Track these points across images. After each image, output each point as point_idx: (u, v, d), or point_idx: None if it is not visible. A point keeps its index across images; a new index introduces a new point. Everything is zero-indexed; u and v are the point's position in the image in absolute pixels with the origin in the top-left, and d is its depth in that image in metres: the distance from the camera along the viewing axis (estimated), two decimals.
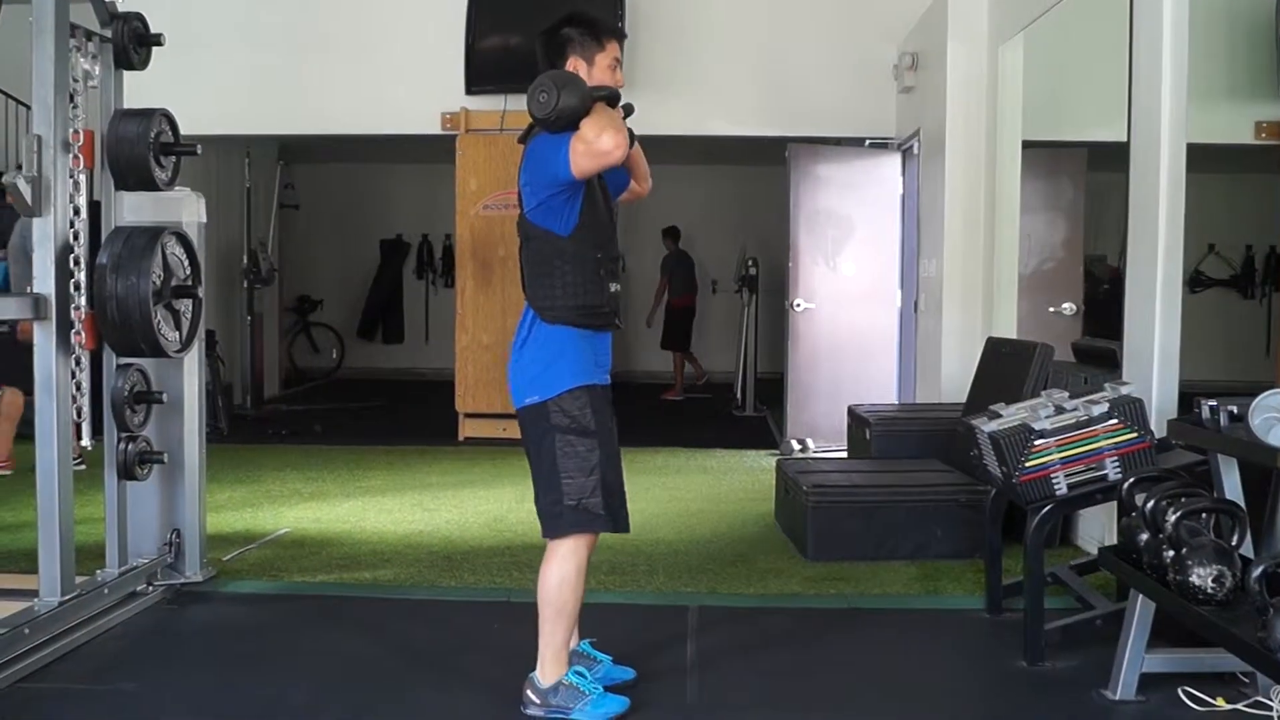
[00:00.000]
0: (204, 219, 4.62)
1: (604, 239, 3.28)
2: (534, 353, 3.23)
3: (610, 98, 3.17)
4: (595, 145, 3.05)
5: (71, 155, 3.96)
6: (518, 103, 8.68)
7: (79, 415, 4.03)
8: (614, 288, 3.29)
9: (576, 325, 3.22)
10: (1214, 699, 3.36)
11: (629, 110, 3.25)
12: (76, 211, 4.00)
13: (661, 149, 11.95)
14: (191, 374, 4.63)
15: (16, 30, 3.81)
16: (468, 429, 8.90)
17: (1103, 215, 7.17)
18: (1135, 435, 3.77)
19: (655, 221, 14.20)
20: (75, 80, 4.02)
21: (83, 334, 3.98)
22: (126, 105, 4.30)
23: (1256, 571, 2.65)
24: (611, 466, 3.29)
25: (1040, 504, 3.81)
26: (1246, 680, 3.43)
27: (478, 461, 7.86)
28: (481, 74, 8.72)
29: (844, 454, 7.15)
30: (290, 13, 8.95)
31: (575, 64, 3.25)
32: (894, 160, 8.49)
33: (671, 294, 12.34)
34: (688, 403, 11.88)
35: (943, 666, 3.99)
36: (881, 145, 8.65)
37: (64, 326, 3.93)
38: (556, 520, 3.25)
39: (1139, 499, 3.28)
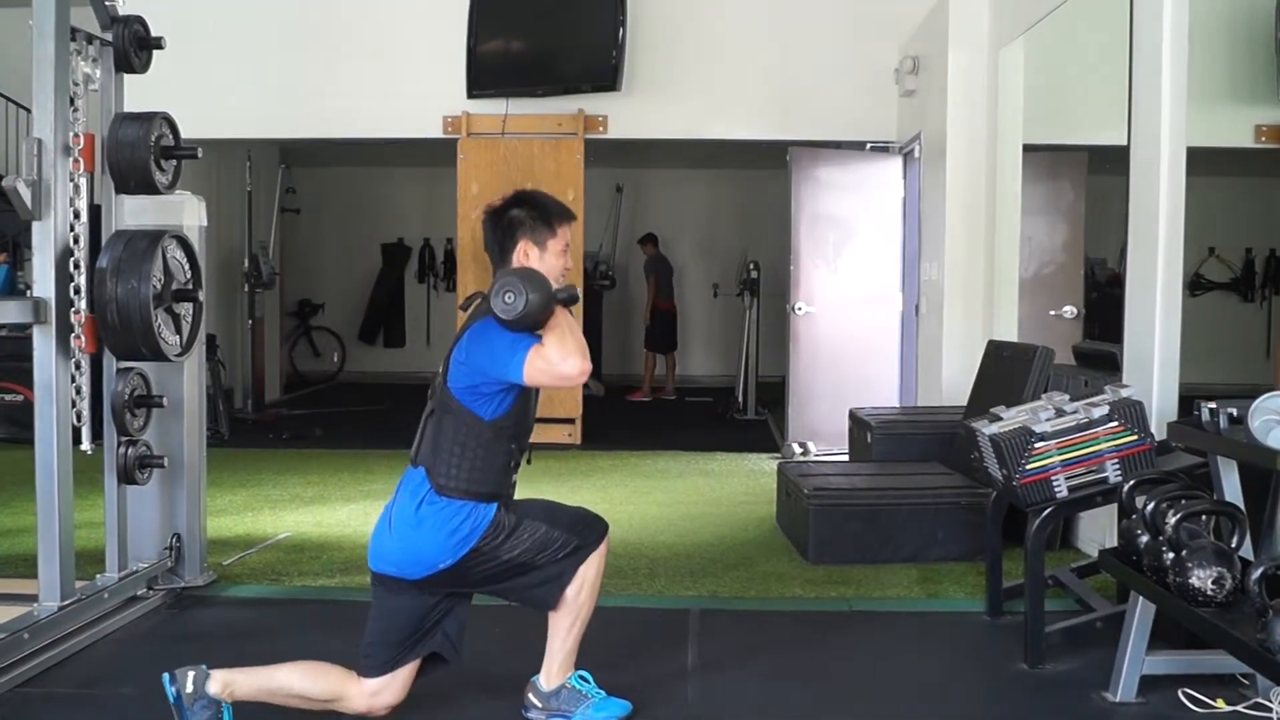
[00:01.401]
0: (205, 222, 4.63)
1: (523, 431, 3.18)
2: (431, 523, 3.06)
3: (569, 300, 3.08)
4: (558, 369, 2.94)
5: (72, 159, 3.96)
6: (519, 106, 8.73)
7: (79, 419, 4.02)
8: (514, 480, 3.20)
9: (468, 500, 3.09)
10: (1214, 701, 3.36)
11: (575, 298, 3.14)
12: (77, 215, 4.00)
13: (663, 152, 12.12)
14: (192, 378, 4.63)
15: (17, 33, 3.81)
16: None
17: (1103, 218, 7.17)
18: (1135, 438, 3.76)
19: (656, 225, 14.24)
20: (76, 84, 4.02)
21: (83, 338, 3.98)
22: (127, 108, 4.30)
23: (1256, 573, 2.65)
24: (550, 515, 3.22)
25: (1041, 506, 3.81)
26: (1246, 682, 3.43)
27: None
28: (483, 77, 8.72)
29: (845, 457, 7.15)
30: (291, 16, 8.96)
31: (526, 248, 3.15)
32: (895, 164, 8.49)
33: (658, 296, 12.38)
34: (689, 406, 11.87)
35: (944, 669, 3.99)
36: (883, 149, 8.65)
37: (64, 330, 3.93)
38: (551, 587, 3.20)
39: (1139, 501, 3.28)
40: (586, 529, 3.26)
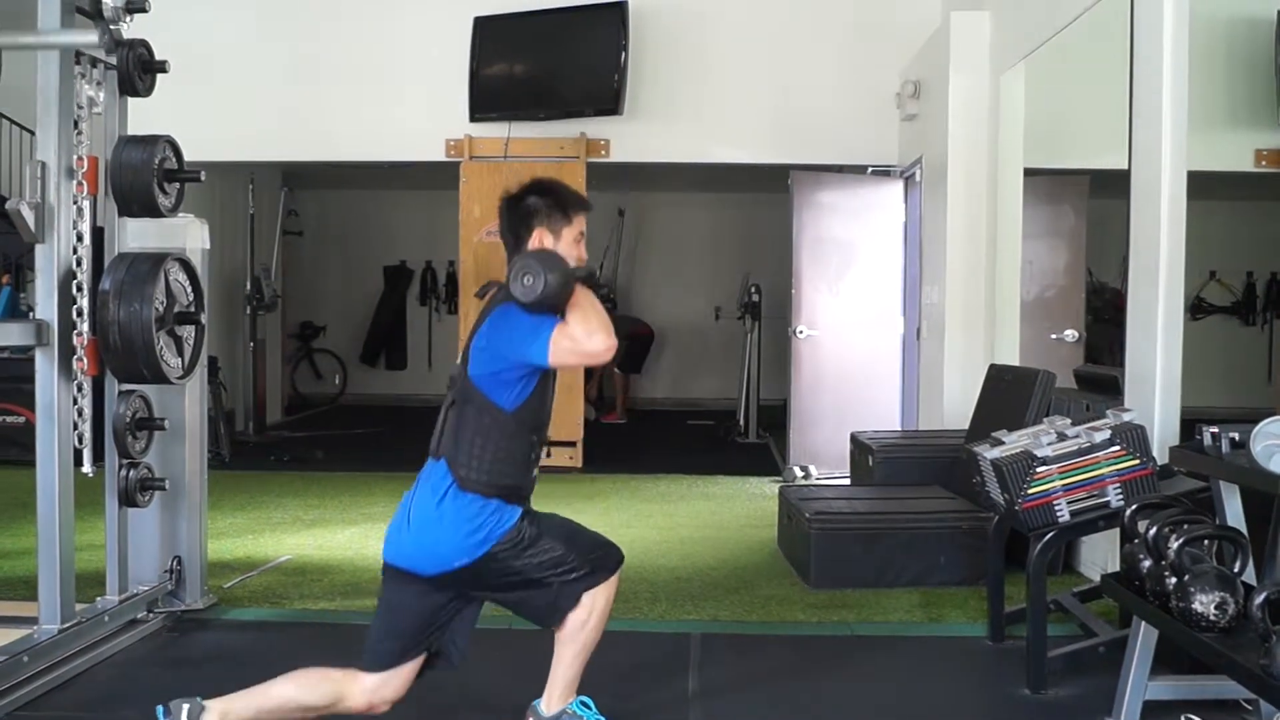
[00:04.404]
0: (207, 245, 4.63)
1: (543, 420, 3.17)
2: (452, 518, 3.04)
3: (588, 278, 3.10)
4: (584, 345, 2.93)
5: (75, 181, 3.98)
6: (521, 130, 8.76)
7: (80, 441, 4.02)
8: (536, 472, 3.20)
9: (491, 497, 3.07)
10: None
11: (594, 277, 3.17)
12: (80, 238, 4.01)
13: (665, 176, 12.13)
14: (194, 400, 4.63)
15: (21, 56, 3.83)
16: None
17: (1104, 242, 7.18)
18: (1137, 462, 3.76)
19: (659, 248, 14.28)
20: (79, 107, 4.03)
21: (85, 360, 3.98)
22: (131, 131, 4.31)
23: (1259, 598, 2.64)
24: (569, 536, 3.22)
25: (1043, 531, 3.81)
26: (1249, 707, 3.42)
27: None
28: (485, 101, 8.75)
29: (847, 480, 7.15)
30: (295, 40, 9.01)
31: (541, 235, 3.15)
32: (896, 188, 8.51)
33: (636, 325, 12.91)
34: (690, 429, 11.87)
35: (946, 695, 3.97)
36: (884, 173, 8.68)
37: (66, 352, 3.94)
38: (555, 608, 3.19)
39: (1141, 526, 3.27)
40: (602, 556, 3.25)
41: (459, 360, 3.15)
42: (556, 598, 3.17)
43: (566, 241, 3.17)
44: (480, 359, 3.06)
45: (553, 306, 2.96)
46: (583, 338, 2.93)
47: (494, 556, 3.06)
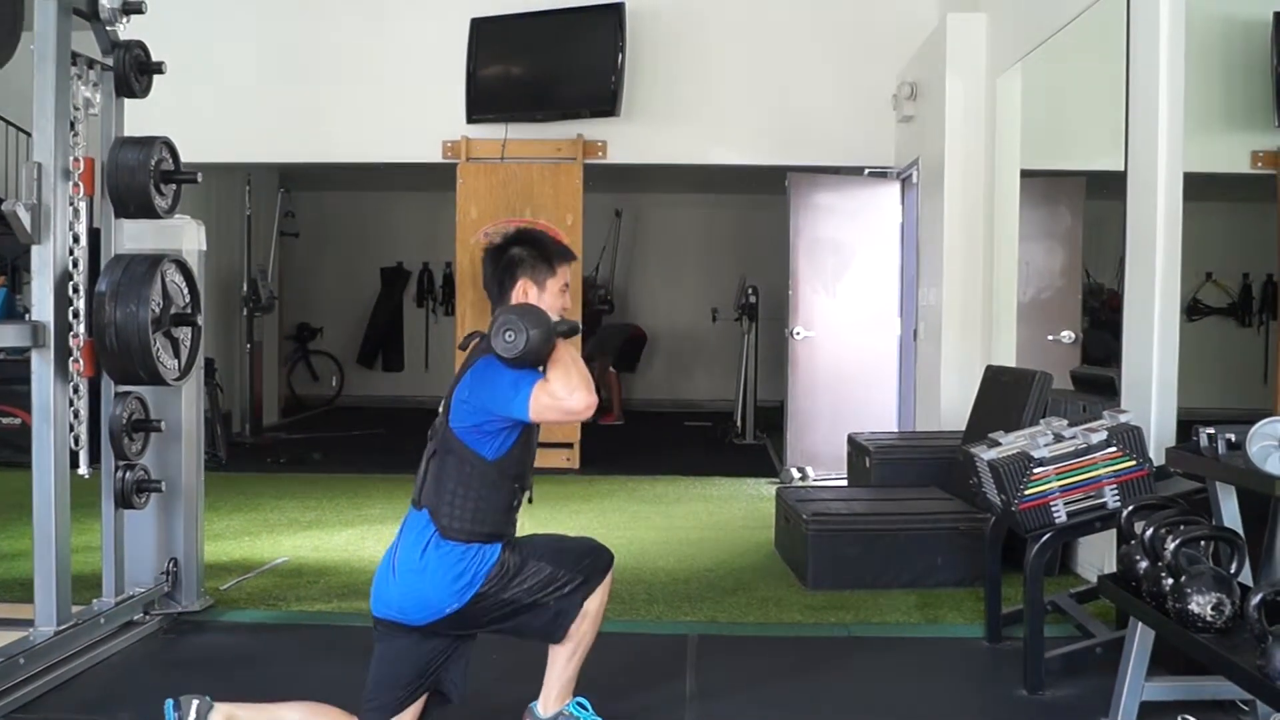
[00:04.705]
0: (204, 247, 4.63)
1: (525, 469, 3.16)
2: (436, 568, 3.04)
3: (570, 332, 3.09)
4: (565, 404, 2.93)
5: (72, 183, 3.97)
6: (518, 131, 8.76)
7: (77, 443, 4.02)
8: (516, 518, 3.19)
9: (473, 544, 3.07)
10: None
11: (576, 330, 3.16)
12: (76, 239, 4.01)
13: (662, 177, 12.13)
14: (190, 402, 4.63)
15: (18, 58, 3.82)
16: None
17: (1101, 243, 7.18)
18: (1134, 463, 3.76)
19: (656, 249, 14.28)
20: (76, 108, 4.03)
21: (81, 361, 3.98)
22: (127, 133, 4.31)
23: (1255, 599, 2.64)
24: (556, 554, 3.21)
25: (1040, 532, 3.81)
26: (1246, 708, 3.42)
27: None
28: (482, 102, 8.75)
29: (844, 482, 7.15)
30: (291, 41, 9.00)
31: (525, 286, 3.15)
32: (893, 189, 8.52)
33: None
34: (687, 430, 11.88)
35: (943, 695, 3.97)
36: (881, 174, 8.68)
37: (62, 354, 3.93)
38: (554, 624, 3.19)
39: (1138, 527, 3.28)
40: (593, 563, 3.25)
41: (440, 409, 3.13)
42: (557, 614, 3.16)
43: (551, 293, 3.17)
44: (462, 411, 3.05)
45: (534, 362, 2.96)
46: (563, 395, 2.93)
47: (483, 596, 3.06)
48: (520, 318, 2.93)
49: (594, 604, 3.22)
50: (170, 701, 3.06)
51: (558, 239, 3.32)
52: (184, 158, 4.37)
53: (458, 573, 3.03)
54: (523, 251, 3.18)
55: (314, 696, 3.57)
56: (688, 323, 14.24)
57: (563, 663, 3.26)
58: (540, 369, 2.98)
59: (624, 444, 10.73)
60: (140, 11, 4.26)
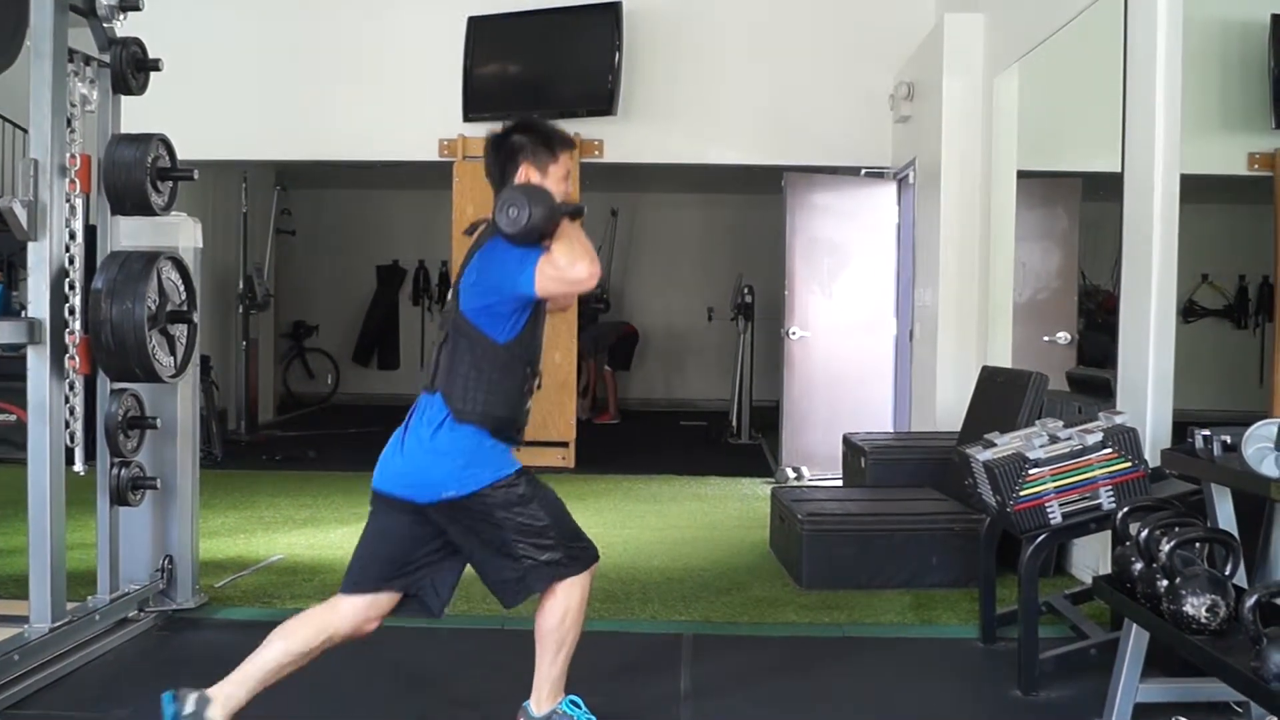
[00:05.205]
0: (200, 244, 4.63)
1: (535, 354, 3.21)
2: (446, 449, 3.08)
3: (575, 213, 3.13)
4: (568, 274, 3.00)
5: (68, 180, 3.96)
6: None
7: (72, 440, 4.02)
8: (529, 405, 3.22)
9: (486, 429, 3.11)
10: None
11: (581, 212, 3.19)
12: (72, 236, 4.00)
13: (658, 177, 12.13)
14: (186, 399, 4.63)
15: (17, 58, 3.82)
16: None
17: (1097, 244, 7.19)
18: (1129, 465, 3.77)
19: (652, 249, 14.28)
20: (73, 105, 4.03)
21: (77, 359, 3.97)
22: (124, 130, 4.31)
23: (1250, 601, 2.65)
24: (556, 514, 3.23)
25: (1035, 533, 3.82)
26: (1240, 710, 3.43)
27: None
28: (479, 101, 8.75)
29: (839, 482, 7.15)
30: (288, 39, 8.99)
31: (527, 172, 3.19)
32: (890, 189, 8.52)
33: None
34: (682, 430, 11.88)
35: (937, 696, 3.97)
36: (877, 174, 8.68)
37: (58, 351, 3.93)
38: (517, 584, 3.20)
39: (1133, 528, 3.28)
40: (580, 550, 3.26)
41: (450, 296, 3.20)
42: (525, 575, 3.17)
43: (553, 179, 3.21)
44: (471, 294, 3.11)
45: (538, 239, 3.02)
46: (566, 265, 2.99)
47: (482, 497, 3.10)
48: (524, 194, 3.00)
49: (574, 599, 3.22)
50: (168, 694, 3.07)
51: (559, 127, 3.34)
52: (180, 155, 4.37)
53: (467, 460, 3.08)
54: (524, 139, 3.23)
55: (308, 693, 3.58)
56: (684, 322, 14.25)
57: (549, 660, 3.26)
58: (545, 246, 3.03)
59: (619, 443, 10.73)
60: (137, 8, 4.25)
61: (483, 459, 3.10)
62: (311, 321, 14.04)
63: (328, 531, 6.35)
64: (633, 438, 11.33)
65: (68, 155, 3.96)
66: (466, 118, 8.79)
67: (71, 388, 4.00)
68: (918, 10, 8.33)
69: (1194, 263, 11.28)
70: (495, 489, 3.10)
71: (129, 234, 4.34)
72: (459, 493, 3.09)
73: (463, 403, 3.09)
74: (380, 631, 4.49)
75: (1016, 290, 6.82)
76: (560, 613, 3.21)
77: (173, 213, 4.41)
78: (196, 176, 4.38)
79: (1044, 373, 5.44)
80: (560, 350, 8.67)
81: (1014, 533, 3.93)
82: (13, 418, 8.24)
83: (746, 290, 11.08)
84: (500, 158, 3.24)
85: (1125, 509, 3.44)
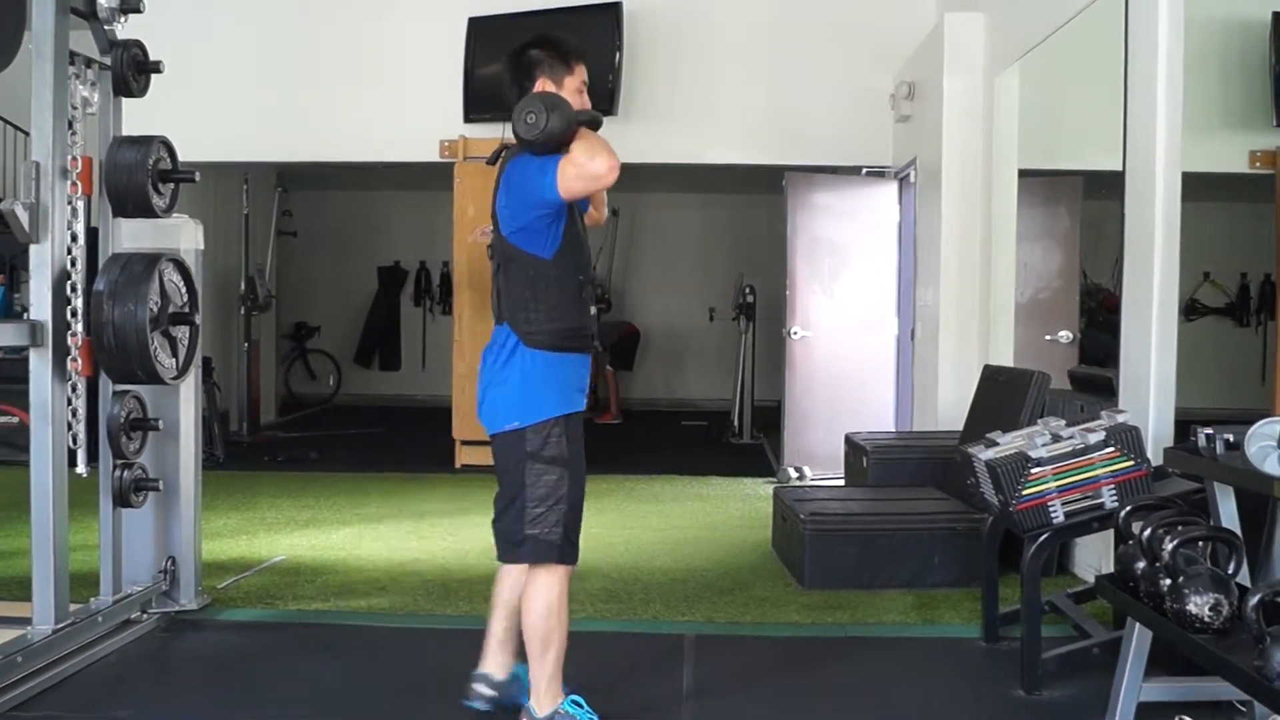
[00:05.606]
0: (201, 246, 4.63)
1: (584, 261, 3.30)
2: (516, 378, 3.20)
3: (593, 122, 3.18)
4: (588, 168, 3.04)
5: (70, 182, 3.96)
6: None
7: (74, 442, 4.02)
8: (593, 310, 3.30)
9: (559, 349, 3.21)
10: None
11: (598, 122, 3.24)
12: (74, 238, 4.00)
13: (659, 177, 12.12)
14: (188, 401, 4.63)
15: (17, 57, 3.82)
16: (464, 456, 8.87)
17: (1099, 243, 7.18)
18: (1132, 463, 3.77)
19: (653, 249, 14.28)
20: (74, 107, 4.03)
21: (79, 360, 3.98)
22: (125, 132, 4.31)
23: (1253, 600, 2.64)
24: (577, 497, 3.27)
25: (1037, 532, 3.81)
26: (1243, 709, 3.42)
27: (474, 489, 7.81)
28: (480, 102, 8.74)
29: (841, 482, 7.15)
30: (289, 40, 9.00)
31: (543, 85, 3.26)
32: (891, 189, 8.52)
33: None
34: (684, 430, 11.88)
35: (939, 696, 3.97)
36: (878, 174, 8.68)
37: (60, 353, 3.93)
38: (514, 548, 3.26)
39: (1136, 527, 3.28)
40: (570, 546, 3.28)
41: (492, 229, 3.28)
42: (525, 542, 3.22)
43: (569, 91, 3.28)
44: (506, 216, 3.20)
45: (556, 145, 3.07)
46: (585, 161, 3.05)
47: (537, 431, 3.18)
48: (540, 100, 3.07)
49: (552, 595, 3.24)
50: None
51: (575, 40, 3.41)
52: (182, 157, 4.36)
53: (528, 389, 3.18)
54: (540, 53, 3.31)
55: (310, 695, 3.59)
56: (685, 322, 14.25)
57: (537, 659, 3.27)
58: (564, 152, 3.08)
59: (621, 443, 10.73)
60: (138, 10, 4.25)
61: (547, 393, 3.19)
62: (313, 322, 14.04)
63: (330, 532, 6.35)
64: (634, 438, 11.33)
65: (69, 158, 3.96)
66: (467, 119, 8.79)
67: (74, 390, 4.00)
68: (918, 10, 8.32)
69: (1195, 261, 11.27)
70: (546, 426, 3.18)
71: (130, 236, 4.34)
72: (521, 424, 3.18)
73: (527, 324, 3.18)
74: (380, 634, 4.51)
75: (1018, 289, 6.81)
76: (542, 608, 3.23)
77: (174, 214, 4.41)
78: (198, 178, 4.37)
79: (1046, 372, 5.44)
80: None
81: (1016, 532, 3.93)
82: (15, 420, 8.25)
83: (748, 290, 11.08)
84: (517, 72, 3.31)
85: (1128, 508, 3.43)
